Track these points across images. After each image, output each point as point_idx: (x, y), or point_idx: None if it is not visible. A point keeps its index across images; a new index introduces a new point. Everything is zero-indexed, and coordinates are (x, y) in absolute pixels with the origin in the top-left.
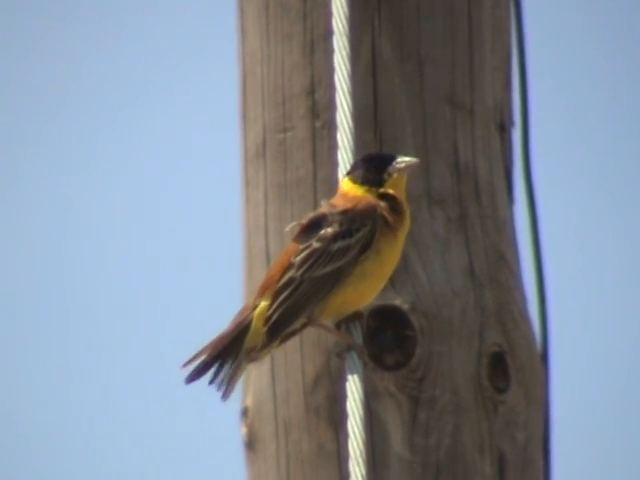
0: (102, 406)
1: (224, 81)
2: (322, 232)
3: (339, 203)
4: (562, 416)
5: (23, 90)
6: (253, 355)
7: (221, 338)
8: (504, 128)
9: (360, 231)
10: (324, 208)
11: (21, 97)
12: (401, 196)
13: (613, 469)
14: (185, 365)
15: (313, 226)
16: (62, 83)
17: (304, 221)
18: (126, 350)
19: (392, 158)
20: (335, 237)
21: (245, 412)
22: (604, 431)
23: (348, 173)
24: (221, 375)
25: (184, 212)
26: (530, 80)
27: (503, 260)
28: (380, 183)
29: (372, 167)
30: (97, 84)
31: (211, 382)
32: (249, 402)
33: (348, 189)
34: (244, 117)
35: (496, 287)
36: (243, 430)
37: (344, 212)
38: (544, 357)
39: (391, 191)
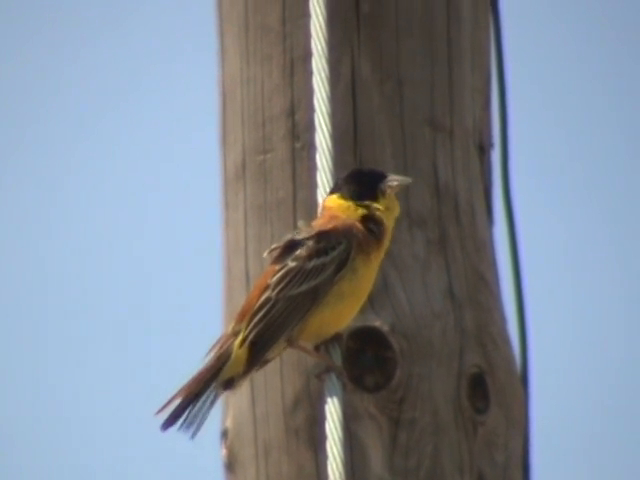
0: (78, 426)
1: (204, 103)
2: (297, 252)
3: (316, 223)
4: (542, 437)
5: (8, 92)
6: (235, 384)
7: (198, 377)
8: (483, 149)
9: (335, 249)
10: (302, 228)
11: (5, 99)
12: (393, 217)
13: None
14: (159, 411)
15: (290, 247)
16: (46, 97)
17: (281, 243)
18: (102, 368)
19: (383, 175)
20: (310, 256)
21: (225, 434)
22: (584, 452)
23: (334, 190)
24: (193, 414)
25: (164, 234)
26: (509, 101)
27: (483, 281)
28: (374, 198)
29: (364, 183)
30: (77, 98)
31: (182, 424)
32: (229, 424)
33: (335, 205)
34: (224, 139)
35: (476, 308)
36: (223, 452)
37: (319, 232)
38: (524, 378)
39: (379, 213)
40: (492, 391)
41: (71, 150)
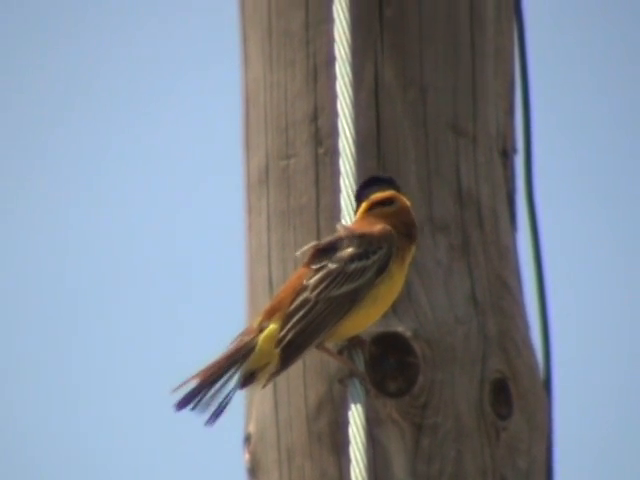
0: (101, 428)
1: (227, 108)
2: (338, 254)
3: (356, 227)
4: (565, 443)
5: (22, 97)
6: (264, 379)
7: (218, 362)
8: (507, 155)
9: (376, 253)
10: (341, 231)
11: (20, 103)
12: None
13: None
14: (176, 390)
15: (327, 249)
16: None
17: (319, 244)
18: (127, 374)
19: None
20: (352, 258)
21: (248, 438)
22: (607, 458)
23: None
24: (209, 398)
25: (187, 239)
26: (533, 107)
27: (506, 287)
28: None
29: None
30: (102, 101)
31: (196, 405)
32: (252, 429)
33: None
34: (247, 144)
35: (499, 314)
36: (246, 457)
37: (361, 235)
38: (546, 384)
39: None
40: (515, 397)
41: (95, 152)
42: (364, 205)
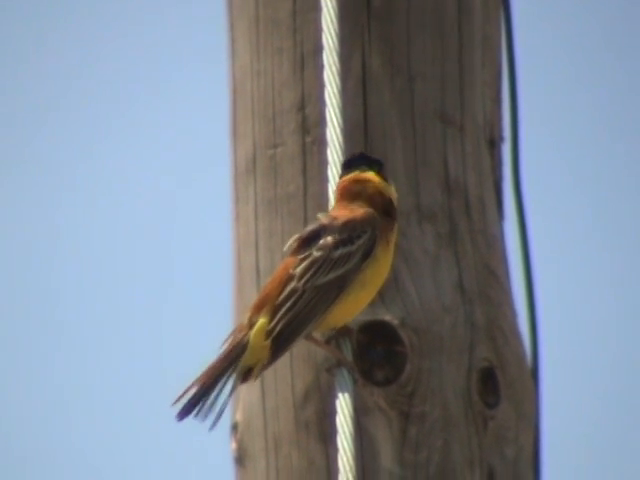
0: (89, 420)
1: (214, 96)
2: (322, 241)
3: (337, 214)
4: (552, 431)
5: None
6: (256, 373)
7: (213, 367)
8: (494, 144)
9: (361, 238)
10: (323, 219)
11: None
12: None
13: None
14: (176, 402)
15: (311, 238)
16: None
17: (302, 235)
18: (112, 364)
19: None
20: (336, 245)
21: (235, 427)
22: (594, 446)
23: (356, 168)
24: (210, 404)
25: (174, 228)
26: (520, 96)
27: (493, 276)
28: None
29: (381, 169)
30: (87, 91)
31: (197, 413)
32: (239, 417)
33: (377, 181)
34: (234, 133)
35: (486, 303)
36: (233, 445)
37: (345, 221)
38: (534, 372)
39: (392, 197)
40: (502, 385)
41: (81, 144)
42: (337, 192)
